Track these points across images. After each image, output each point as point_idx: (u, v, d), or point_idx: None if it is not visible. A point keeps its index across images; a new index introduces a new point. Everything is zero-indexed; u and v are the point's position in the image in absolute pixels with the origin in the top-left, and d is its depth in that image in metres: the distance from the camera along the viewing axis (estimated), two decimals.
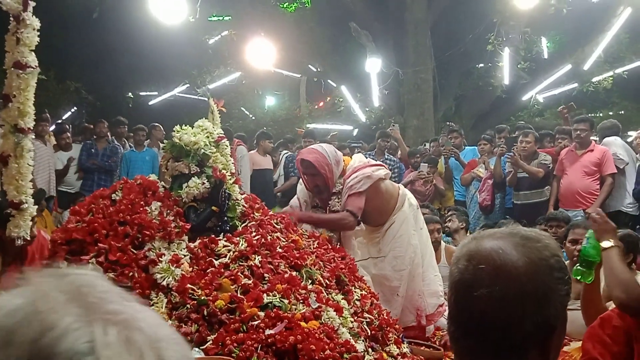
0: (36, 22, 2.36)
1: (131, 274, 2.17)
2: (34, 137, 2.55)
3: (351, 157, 3.53)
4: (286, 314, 2.08)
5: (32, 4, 2.35)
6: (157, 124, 7.63)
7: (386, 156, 7.08)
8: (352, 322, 2.35)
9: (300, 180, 3.52)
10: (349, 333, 2.24)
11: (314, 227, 3.17)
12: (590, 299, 2.51)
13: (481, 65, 10.61)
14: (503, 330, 0.89)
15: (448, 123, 8.50)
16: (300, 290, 2.26)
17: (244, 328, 2.02)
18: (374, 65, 9.52)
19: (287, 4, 10.85)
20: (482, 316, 0.90)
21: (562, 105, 6.59)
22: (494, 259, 0.91)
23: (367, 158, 3.66)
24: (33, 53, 2.37)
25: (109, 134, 7.19)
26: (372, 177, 3.25)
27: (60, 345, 0.43)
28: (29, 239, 2.41)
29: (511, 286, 0.89)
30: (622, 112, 12.25)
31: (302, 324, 2.06)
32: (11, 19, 2.35)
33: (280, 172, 7.34)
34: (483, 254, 0.93)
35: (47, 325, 0.44)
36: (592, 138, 5.70)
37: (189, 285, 2.14)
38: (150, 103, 13.69)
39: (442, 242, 4.63)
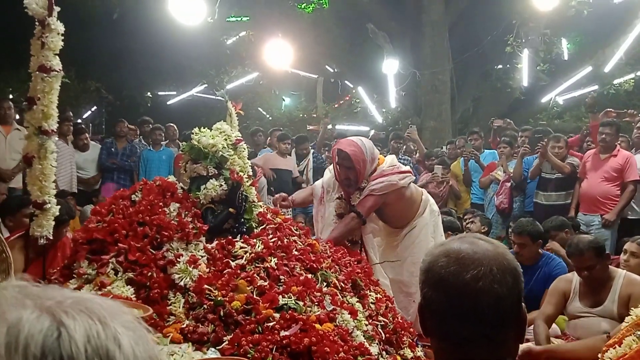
0: (61, 27, 2.41)
1: (150, 273, 2.21)
2: (57, 138, 2.60)
3: (384, 157, 3.50)
4: (301, 315, 2.10)
5: (57, 9, 2.40)
6: (170, 124, 7.74)
7: (400, 156, 7.04)
8: (366, 325, 2.36)
9: (330, 168, 3.47)
10: (364, 336, 2.25)
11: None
12: None
13: (500, 66, 10.49)
14: (496, 306, 1.00)
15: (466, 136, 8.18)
16: (315, 292, 2.28)
17: (260, 329, 2.04)
18: (391, 66, 9.49)
19: (304, 4, 10.86)
20: (476, 296, 1.00)
21: (609, 109, 6.33)
22: (469, 248, 1.04)
23: (398, 162, 3.60)
24: (57, 57, 2.42)
25: (135, 133, 7.33)
26: (396, 186, 3.29)
27: (28, 329, 0.50)
28: (51, 238, 2.47)
29: (493, 264, 1.01)
30: None
31: (317, 326, 2.08)
32: (37, 23, 2.41)
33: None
34: (457, 249, 1.04)
35: (12, 322, 0.51)
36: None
37: (206, 286, 2.17)
38: (168, 103, 13.85)
39: None
